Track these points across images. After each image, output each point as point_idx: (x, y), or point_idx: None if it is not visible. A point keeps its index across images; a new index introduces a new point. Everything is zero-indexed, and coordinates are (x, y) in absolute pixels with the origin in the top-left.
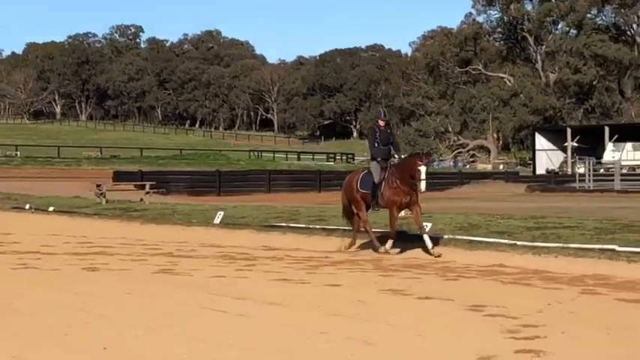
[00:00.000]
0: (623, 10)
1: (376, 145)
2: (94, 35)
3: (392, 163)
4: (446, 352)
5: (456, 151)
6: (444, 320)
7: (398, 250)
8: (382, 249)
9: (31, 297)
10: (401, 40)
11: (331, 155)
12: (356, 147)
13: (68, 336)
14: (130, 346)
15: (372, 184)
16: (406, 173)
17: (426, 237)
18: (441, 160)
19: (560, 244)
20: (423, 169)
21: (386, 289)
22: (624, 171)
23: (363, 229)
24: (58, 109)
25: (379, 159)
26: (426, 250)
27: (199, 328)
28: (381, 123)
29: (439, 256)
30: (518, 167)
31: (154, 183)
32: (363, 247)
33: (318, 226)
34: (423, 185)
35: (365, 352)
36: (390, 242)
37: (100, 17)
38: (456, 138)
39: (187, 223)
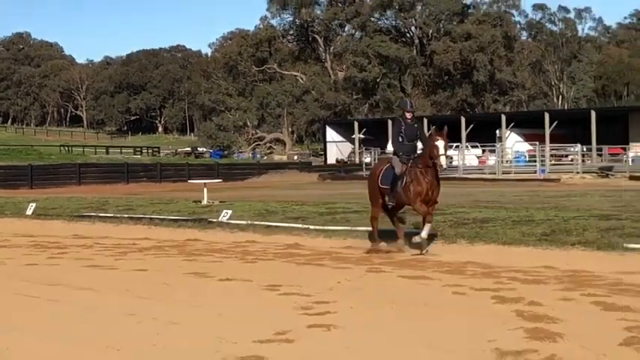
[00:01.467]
0: (402, 14)
1: (400, 139)
2: None
3: (415, 156)
4: (245, 329)
5: (254, 144)
6: (243, 300)
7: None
8: (424, 250)
9: None
10: (202, 41)
11: (138, 149)
12: (161, 141)
13: None
14: None
15: (392, 177)
16: (426, 157)
17: (424, 233)
18: (241, 152)
19: (349, 227)
20: (440, 143)
21: (190, 272)
22: None
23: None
24: None
25: (401, 154)
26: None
27: (11, 314)
28: (408, 115)
29: (425, 252)
30: (311, 158)
31: None
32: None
33: (125, 215)
34: (443, 160)
35: (170, 332)
36: (427, 227)
37: None
38: (254, 132)
39: (0, 215)
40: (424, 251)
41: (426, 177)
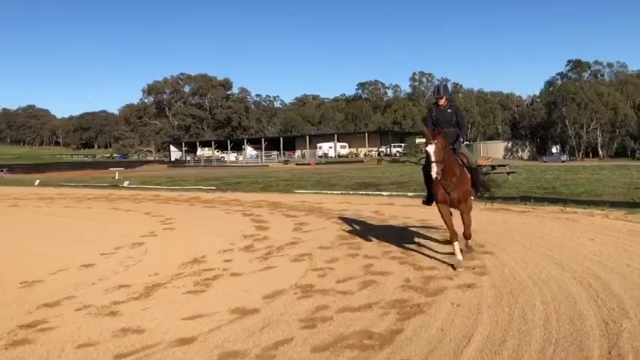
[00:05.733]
0: (201, 97)
1: (433, 127)
2: None
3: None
4: (136, 232)
5: (138, 152)
6: (136, 219)
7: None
8: (458, 261)
9: None
10: (114, 107)
11: (86, 155)
12: (97, 152)
13: None
14: None
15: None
16: None
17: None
18: (133, 156)
19: (182, 187)
20: (431, 148)
21: (111, 208)
22: (204, 158)
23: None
24: None
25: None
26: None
27: (26, 226)
28: (440, 101)
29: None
30: (164, 158)
31: None
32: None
33: (81, 184)
34: (433, 170)
35: (105, 234)
36: (455, 247)
37: None
38: (138, 146)
39: (21, 185)
40: (460, 268)
41: (445, 175)
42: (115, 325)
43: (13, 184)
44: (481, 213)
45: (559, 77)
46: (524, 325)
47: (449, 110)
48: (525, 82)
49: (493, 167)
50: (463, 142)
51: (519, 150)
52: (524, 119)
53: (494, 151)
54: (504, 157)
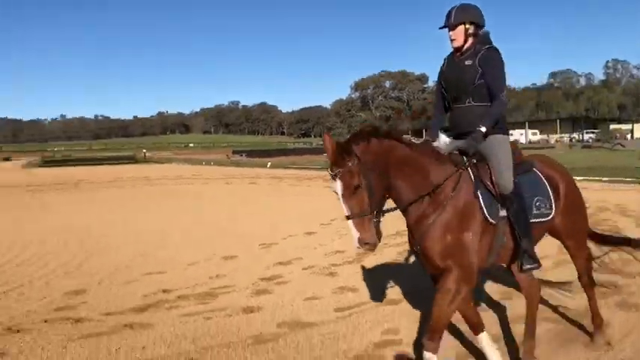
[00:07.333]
0: (399, 91)
1: (436, 98)
2: None
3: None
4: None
5: None
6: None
7: None
8: None
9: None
10: (327, 101)
11: (305, 142)
12: (315, 141)
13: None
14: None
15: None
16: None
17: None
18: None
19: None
20: (337, 185)
21: (327, 186)
22: None
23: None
24: None
25: (436, 136)
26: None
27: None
28: (454, 38)
29: None
30: None
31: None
32: None
33: (293, 166)
34: (350, 227)
35: (284, 205)
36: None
37: None
38: (346, 136)
39: (248, 165)
40: None
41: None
42: (333, 284)
43: (251, 165)
44: (629, 193)
45: None
46: None
47: (467, 62)
48: None
49: None
50: (488, 127)
51: None
52: None
53: None
54: None
